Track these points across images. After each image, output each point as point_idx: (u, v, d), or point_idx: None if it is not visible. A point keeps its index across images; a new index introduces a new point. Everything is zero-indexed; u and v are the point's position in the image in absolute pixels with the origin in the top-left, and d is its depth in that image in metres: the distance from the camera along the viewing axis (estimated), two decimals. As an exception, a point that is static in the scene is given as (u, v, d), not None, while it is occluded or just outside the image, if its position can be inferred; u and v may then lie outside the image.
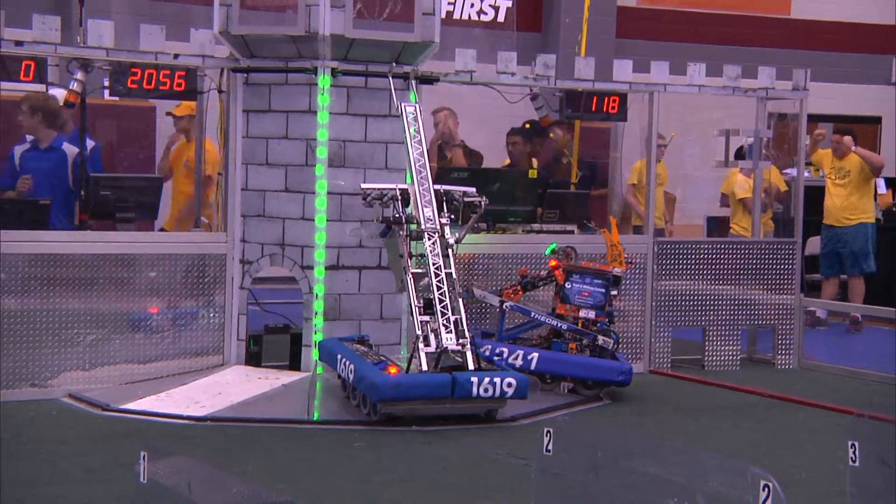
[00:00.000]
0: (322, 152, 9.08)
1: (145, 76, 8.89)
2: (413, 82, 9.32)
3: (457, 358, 8.00)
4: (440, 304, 8.11)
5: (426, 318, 8.13)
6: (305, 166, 9.14)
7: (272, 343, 9.38)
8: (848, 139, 13.55)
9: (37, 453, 7.15)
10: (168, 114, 10.50)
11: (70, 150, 10.07)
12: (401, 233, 8.51)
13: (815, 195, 13.52)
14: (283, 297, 10.20)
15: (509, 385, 7.91)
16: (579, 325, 9.24)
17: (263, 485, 2.87)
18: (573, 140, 12.20)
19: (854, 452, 4.07)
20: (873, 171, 13.52)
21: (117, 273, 8.96)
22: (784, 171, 13.70)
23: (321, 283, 9.11)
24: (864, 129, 14.64)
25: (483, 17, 17.16)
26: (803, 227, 11.31)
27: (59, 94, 10.28)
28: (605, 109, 10.20)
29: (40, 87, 9.74)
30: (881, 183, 15.23)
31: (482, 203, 8.86)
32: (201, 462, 3.27)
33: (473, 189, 8.99)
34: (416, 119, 8.90)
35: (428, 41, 9.18)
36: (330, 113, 9.09)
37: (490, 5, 17.22)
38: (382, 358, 8.33)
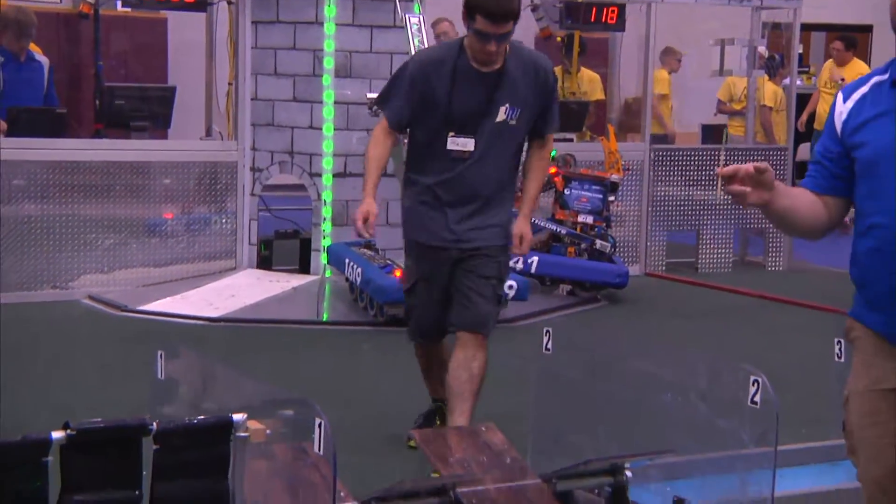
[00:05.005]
0: (329, 63, 9.22)
1: (157, -13, 8.97)
2: (417, -7, 9.35)
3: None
4: (444, 209, 8.26)
5: (430, 223, 8.29)
6: (313, 76, 9.26)
7: (282, 248, 9.52)
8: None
9: (59, 352, 7.41)
10: None
11: (45, 61, 10.07)
12: (405, 140, 8.66)
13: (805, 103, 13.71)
14: (293, 204, 10.33)
15: (510, 287, 8.01)
16: (578, 229, 9.41)
17: (274, 383, 3.09)
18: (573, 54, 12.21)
19: (840, 349, 4.14)
20: None
21: (133, 180, 9.14)
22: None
23: (329, 189, 9.26)
24: (856, 38, 14.63)
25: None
26: (795, 134, 11.54)
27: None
28: (603, 20, 10.36)
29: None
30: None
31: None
32: (215, 361, 3.41)
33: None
34: (419, 30, 8.92)
35: (432, -49, 9.25)
36: (336, 24, 9.16)
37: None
38: (388, 262, 8.43)
